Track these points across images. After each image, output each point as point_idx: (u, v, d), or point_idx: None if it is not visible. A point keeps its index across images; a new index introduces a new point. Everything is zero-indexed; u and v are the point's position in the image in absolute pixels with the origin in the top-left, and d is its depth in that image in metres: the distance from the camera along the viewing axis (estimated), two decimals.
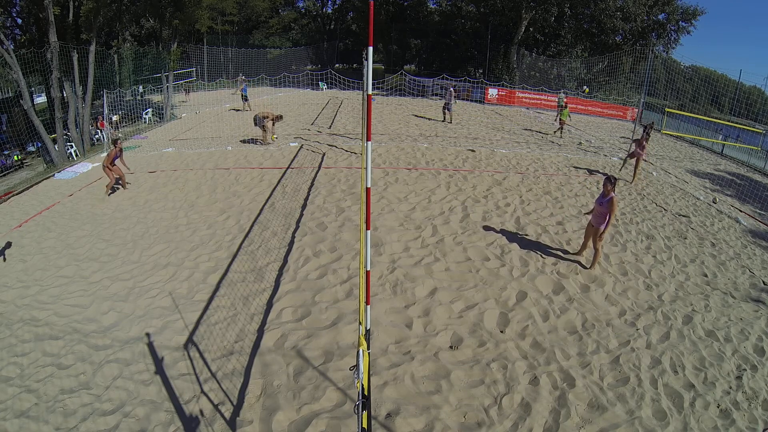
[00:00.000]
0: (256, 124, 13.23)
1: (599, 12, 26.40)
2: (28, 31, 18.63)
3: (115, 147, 9.27)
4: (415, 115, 19.24)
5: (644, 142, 10.89)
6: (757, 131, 18.17)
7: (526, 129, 17.82)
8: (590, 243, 6.50)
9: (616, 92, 27.66)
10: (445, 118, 18.03)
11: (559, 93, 21.89)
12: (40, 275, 6.11)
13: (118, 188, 9.60)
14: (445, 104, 17.98)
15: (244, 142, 13.57)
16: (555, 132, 16.88)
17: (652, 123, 18.19)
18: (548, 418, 3.83)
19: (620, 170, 11.87)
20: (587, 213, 6.90)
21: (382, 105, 22.28)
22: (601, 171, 11.97)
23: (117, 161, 9.31)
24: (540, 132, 17.43)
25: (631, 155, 11.24)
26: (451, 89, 18.29)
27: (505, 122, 19.28)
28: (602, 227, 6.10)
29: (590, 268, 6.36)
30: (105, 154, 12.75)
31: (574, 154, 13.76)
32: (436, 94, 26.89)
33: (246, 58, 30.90)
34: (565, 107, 16.67)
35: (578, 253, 6.74)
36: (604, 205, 6.06)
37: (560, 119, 16.37)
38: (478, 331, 4.92)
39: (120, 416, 3.76)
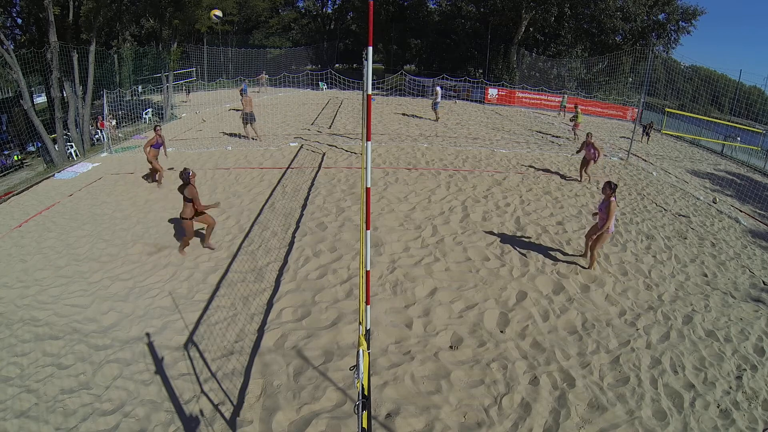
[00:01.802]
0: (247, 122, 13.23)
1: (599, 12, 26.40)
2: (28, 31, 18.61)
3: (156, 133, 9.38)
4: (414, 116, 19.20)
5: (590, 140, 10.40)
6: (757, 131, 18.19)
7: (539, 132, 17.35)
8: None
9: (616, 92, 27.67)
10: (437, 118, 18.14)
11: (563, 95, 21.86)
12: (40, 275, 6.11)
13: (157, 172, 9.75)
14: (432, 103, 18.14)
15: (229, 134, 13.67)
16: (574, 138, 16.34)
17: (652, 123, 18.19)
18: (548, 418, 3.83)
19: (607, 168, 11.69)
20: (595, 213, 6.93)
21: (382, 105, 22.28)
22: (558, 172, 11.97)
23: (159, 150, 9.48)
24: (549, 134, 17.44)
25: (585, 160, 10.62)
26: (437, 88, 18.52)
27: (505, 122, 19.29)
28: (602, 230, 6.12)
29: (588, 267, 6.38)
30: (104, 154, 12.77)
31: (573, 154, 13.75)
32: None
33: (246, 58, 30.89)
34: (579, 113, 16.12)
35: (583, 255, 6.73)
36: (603, 210, 6.10)
37: (576, 123, 15.93)
38: (478, 331, 4.92)
39: (120, 416, 3.75)
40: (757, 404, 4.11)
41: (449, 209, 8.26)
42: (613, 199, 6.02)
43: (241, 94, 19.83)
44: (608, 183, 6.13)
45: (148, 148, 9.34)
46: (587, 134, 10.72)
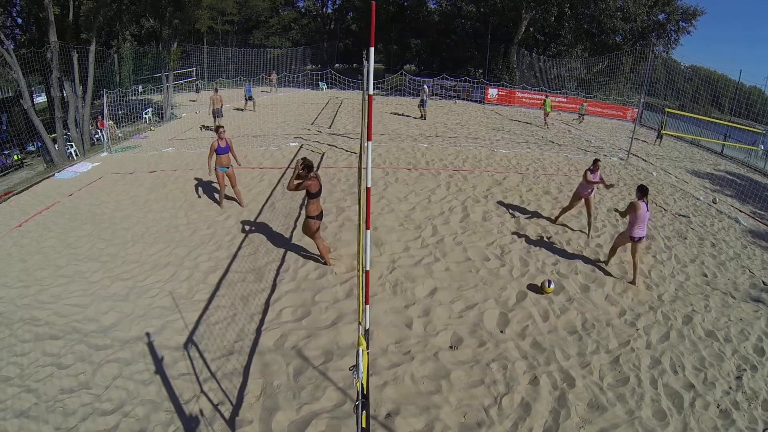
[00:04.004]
0: (217, 116, 14.89)
1: (599, 12, 26.41)
2: (28, 30, 18.60)
3: (219, 135, 7.72)
4: (414, 116, 19.15)
5: (598, 168, 7.32)
6: (757, 131, 18.16)
7: (513, 120, 19.74)
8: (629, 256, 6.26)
9: (616, 92, 27.66)
10: (421, 115, 18.24)
11: (583, 103, 21.17)
12: (40, 275, 6.11)
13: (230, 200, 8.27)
14: (420, 101, 18.33)
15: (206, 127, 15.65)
16: (541, 125, 18.71)
17: (664, 123, 17.71)
18: (548, 418, 3.83)
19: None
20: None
21: (382, 105, 22.27)
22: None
23: (224, 158, 7.75)
24: (526, 122, 19.20)
25: (578, 198, 7.55)
26: (425, 87, 19.00)
27: (505, 122, 19.29)
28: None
29: (633, 282, 6.04)
30: (104, 154, 12.77)
31: (574, 154, 13.77)
32: (436, 94, 26.90)
33: (246, 58, 30.88)
34: (546, 98, 18.99)
35: (633, 282, 6.10)
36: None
37: (544, 111, 18.56)
38: (478, 331, 4.92)
39: (120, 416, 3.75)
40: (757, 404, 4.11)
41: (449, 209, 8.26)
42: (636, 201, 5.84)
43: (247, 97, 19.77)
44: (639, 187, 5.96)
45: (212, 158, 7.67)
46: (595, 161, 7.45)
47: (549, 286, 5.63)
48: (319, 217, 5.77)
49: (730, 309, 5.69)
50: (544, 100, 18.86)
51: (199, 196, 8.89)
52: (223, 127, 8.08)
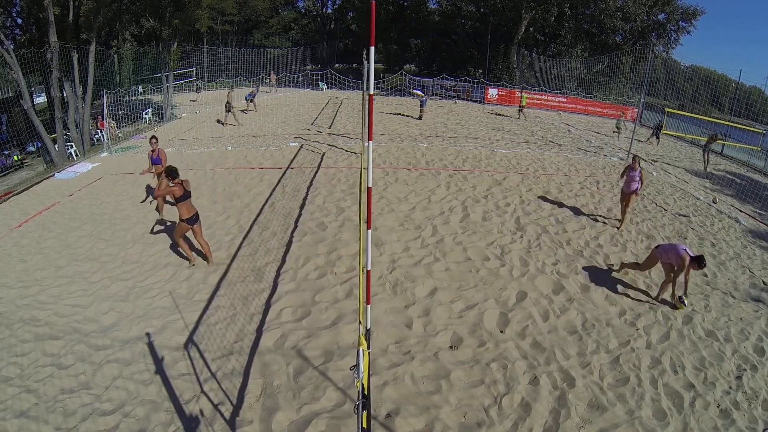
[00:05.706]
0: (228, 110, 16.28)
1: (599, 12, 26.42)
2: (28, 31, 18.59)
3: (150, 146, 7.98)
4: (413, 116, 19.14)
5: (637, 165, 7.74)
6: (757, 131, 18.16)
7: (493, 113, 21.39)
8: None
9: (616, 92, 27.67)
10: (421, 116, 18.45)
11: (620, 116, 18.83)
12: (40, 275, 6.11)
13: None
14: (420, 102, 18.69)
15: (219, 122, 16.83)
16: (520, 117, 20.46)
17: (661, 124, 17.55)
18: (548, 418, 3.83)
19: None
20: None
21: (382, 105, 22.26)
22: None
23: (159, 168, 7.82)
24: (502, 115, 20.90)
25: (627, 198, 7.85)
26: (415, 90, 20.37)
27: (505, 122, 19.30)
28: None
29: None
30: (104, 154, 12.77)
31: (574, 154, 13.77)
32: (436, 94, 26.92)
33: (246, 58, 30.89)
34: (522, 93, 21.01)
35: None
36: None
37: (520, 105, 20.48)
38: (478, 331, 4.92)
39: (120, 416, 3.75)
40: (757, 404, 4.11)
41: (449, 209, 8.26)
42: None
43: (231, 89, 19.85)
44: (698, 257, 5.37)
45: (150, 167, 7.99)
46: (634, 157, 7.97)
47: (682, 302, 5.50)
48: (190, 220, 5.97)
49: (730, 309, 5.68)
50: (521, 95, 20.87)
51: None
52: (155, 137, 8.21)
